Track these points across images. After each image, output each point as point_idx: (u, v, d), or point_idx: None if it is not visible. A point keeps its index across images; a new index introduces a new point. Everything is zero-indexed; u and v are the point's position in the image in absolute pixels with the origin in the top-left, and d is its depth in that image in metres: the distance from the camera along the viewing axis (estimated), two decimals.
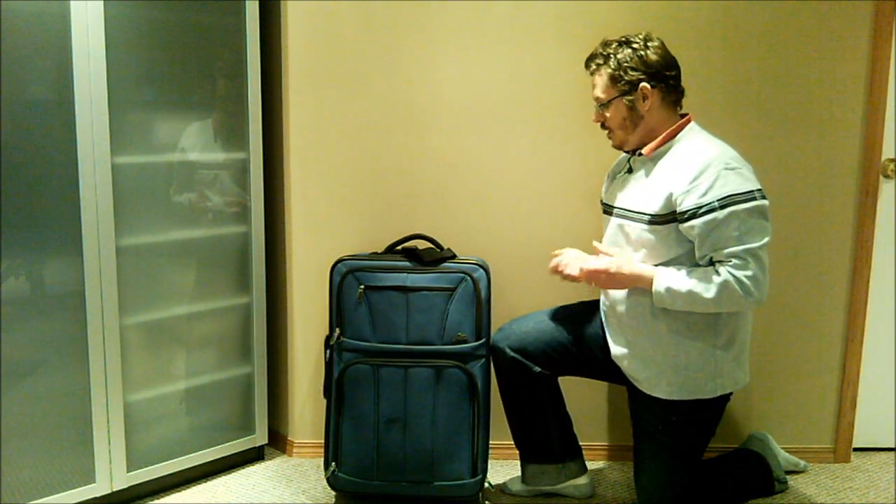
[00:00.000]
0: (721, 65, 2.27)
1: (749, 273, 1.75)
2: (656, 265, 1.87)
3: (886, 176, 2.36)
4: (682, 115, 1.94)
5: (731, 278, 1.75)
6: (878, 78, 2.27)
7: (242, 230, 2.32)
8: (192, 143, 2.19)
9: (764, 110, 2.30)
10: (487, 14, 2.29)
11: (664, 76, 1.88)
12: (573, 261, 1.95)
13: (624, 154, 2.05)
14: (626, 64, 1.87)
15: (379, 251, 2.29)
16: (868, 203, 2.34)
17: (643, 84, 1.87)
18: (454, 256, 2.20)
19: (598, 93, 1.94)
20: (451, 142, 2.35)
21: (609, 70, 1.90)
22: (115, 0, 1.93)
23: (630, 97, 1.89)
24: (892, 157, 2.36)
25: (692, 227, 1.78)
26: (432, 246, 2.26)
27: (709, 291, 1.77)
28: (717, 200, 1.75)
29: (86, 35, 1.88)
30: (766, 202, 1.78)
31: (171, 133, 2.15)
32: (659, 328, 1.89)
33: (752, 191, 1.76)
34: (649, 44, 1.89)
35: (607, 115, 1.94)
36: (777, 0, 2.25)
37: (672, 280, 1.81)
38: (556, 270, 1.97)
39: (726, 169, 1.77)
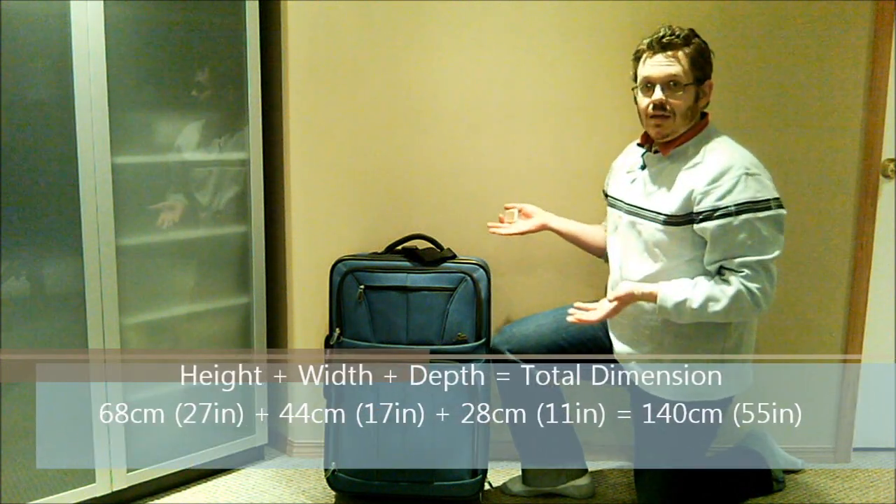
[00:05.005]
0: (721, 65, 2.25)
1: (759, 285, 1.74)
2: (666, 266, 1.84)
3: (886, 176, 2.36)
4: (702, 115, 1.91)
5: (743, 289, 1.74)
6: (878, 78, 2.27)
7: (242, 230, 2.31)
8: (192, 142, 2.18)
9: (764, 110, 2.30)
10: (487, 14, 2.28)
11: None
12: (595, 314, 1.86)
13: (632, 146, 2.03)
14: (705, 54, 1.84)
15: (379, 251, 2.29)
16: (868, 203, 2.33)
17: (710, 81, 1.86)
18: (454, 256, 2.20)
19: (678, 72, 1.80)
20: (451, 141, 2.35)
21: (691, 53, 1.81)
22: (115, 0, 1.93)
23: (699, 88, 1.84)
24: (892, 157, 2.35)
25: (705, 229, 1.77)
26: (432, 246, 2.26)
27: (719, 304, 1.75)
28: (735, 205, 1.73)
29: (86, 35, 1.88)
30: (782, 212, 1.77)
31: (171, 133, 2.14)
32: (667, 331, 1.88)
33: (769, 199, 1.75)
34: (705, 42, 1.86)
35: (675, 100, 1.80)
36: (777, 0, 2.25)
37: (679, 294, 1.77)
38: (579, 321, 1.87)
39: (747, 174, 1.75)
